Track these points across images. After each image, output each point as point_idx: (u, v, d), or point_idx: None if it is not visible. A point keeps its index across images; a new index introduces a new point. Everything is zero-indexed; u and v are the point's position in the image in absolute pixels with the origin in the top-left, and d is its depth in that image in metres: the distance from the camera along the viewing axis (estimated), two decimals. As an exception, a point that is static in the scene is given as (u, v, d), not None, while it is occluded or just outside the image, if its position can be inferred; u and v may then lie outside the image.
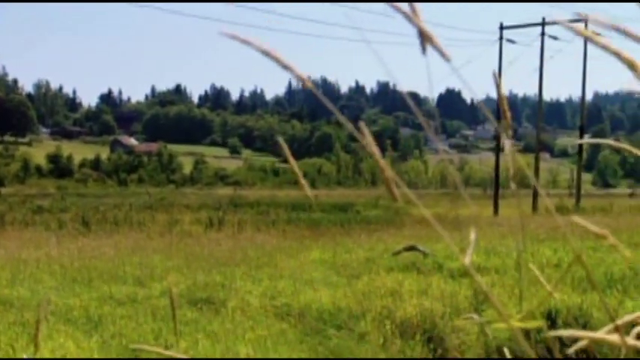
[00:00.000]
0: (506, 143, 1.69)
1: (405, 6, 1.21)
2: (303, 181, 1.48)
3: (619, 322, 1.40)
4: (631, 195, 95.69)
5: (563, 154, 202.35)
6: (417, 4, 1.23)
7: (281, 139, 1.58)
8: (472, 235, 1.55)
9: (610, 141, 1.66)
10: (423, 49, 1.24)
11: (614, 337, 1.17)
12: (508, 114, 1.61)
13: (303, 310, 14.13)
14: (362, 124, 1.17)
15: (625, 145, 1.62)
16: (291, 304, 14.53)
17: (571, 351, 1.49)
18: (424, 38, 1.23)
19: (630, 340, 1.32)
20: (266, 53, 1.18)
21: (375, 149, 1.26)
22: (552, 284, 1.75)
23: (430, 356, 11.93)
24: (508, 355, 3.03)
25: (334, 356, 11.88)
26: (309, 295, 15.08)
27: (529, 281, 1.71)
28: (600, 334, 1.27)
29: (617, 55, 1.18)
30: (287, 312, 14.16)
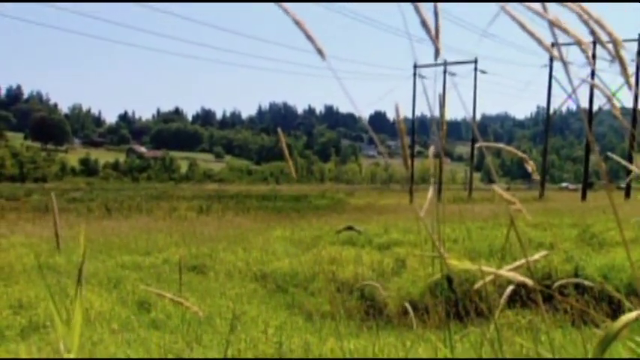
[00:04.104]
0: (431, 149, 1.72)
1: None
2: (290, 162, 1.48)
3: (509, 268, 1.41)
4: (507, 189, 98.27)
5: (460, 159, 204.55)
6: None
7: (282, 135, 1.57)
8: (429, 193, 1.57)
9: (501, 145, 1.70)
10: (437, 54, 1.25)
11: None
12: (445, 127, 1.64)
13: (270, 274, 14.10)
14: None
15: (510, 148, 1.66)
16: (261, 269, 14.48)
17: (476, 286, 1.50)
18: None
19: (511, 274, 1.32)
20: (297, 23, 1.18)
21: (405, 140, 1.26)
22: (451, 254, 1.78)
23: (364, 306, 11.94)
24: (409, 308, 3.04)
25: (292, 307, 11.86)
26: (274, 262, 15.04)
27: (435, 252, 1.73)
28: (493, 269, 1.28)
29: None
30: (258, 275, 14.12)
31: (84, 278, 1.76)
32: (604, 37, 1.14)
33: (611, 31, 1.13)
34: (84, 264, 1.79)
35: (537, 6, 1.15)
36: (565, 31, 1.14)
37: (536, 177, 1.54)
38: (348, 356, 5.49)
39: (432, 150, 1.74)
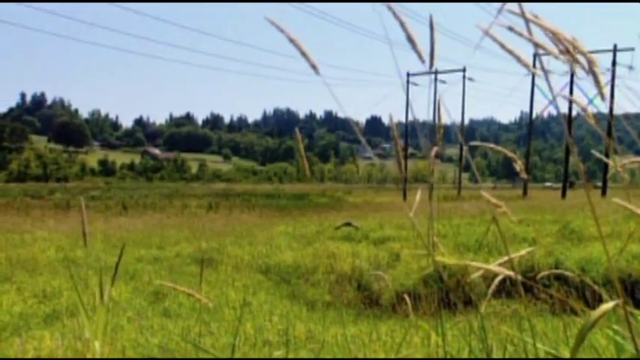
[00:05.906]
0: (433, 150, 1.74)
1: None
2: (305, 162, 1.50)
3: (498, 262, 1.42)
4: (493, 188, 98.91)
5: (450, 160, 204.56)
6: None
7: (299, 136, 1.57)
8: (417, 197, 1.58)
9: (492, 145, 1.71)
10: (431, 64, 1.25)
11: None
12: (441, 130, 1.68)
13: (274, 266, 14.09)
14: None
15: (501, 148, 1.68)
16: (265, 262, 14.48)
17: (468, 280, 1.51)
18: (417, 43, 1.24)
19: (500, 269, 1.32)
20: (292, 41, 1.19)
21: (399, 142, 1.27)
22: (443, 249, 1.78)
23: (360, 295, 11.93)
24: (407, 299, 3.05)
25: (295, 297, 11.85)
26: (278, 256, 15.04)
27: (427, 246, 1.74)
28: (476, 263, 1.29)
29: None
30: (263, 267, 14.11)
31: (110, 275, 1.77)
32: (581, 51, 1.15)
33: (584, 51, 1.14)
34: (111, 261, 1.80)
35: (522, 25, 1.16)
36: (545, 49, 1.15)
37: (524, 176, 1.55)
38: (349, 341, 5.49)
39: (434, 151, 1.76)
